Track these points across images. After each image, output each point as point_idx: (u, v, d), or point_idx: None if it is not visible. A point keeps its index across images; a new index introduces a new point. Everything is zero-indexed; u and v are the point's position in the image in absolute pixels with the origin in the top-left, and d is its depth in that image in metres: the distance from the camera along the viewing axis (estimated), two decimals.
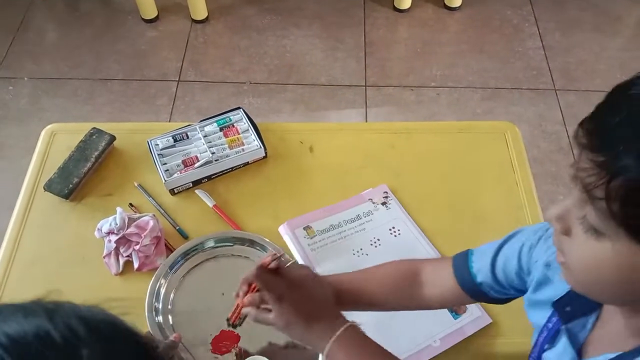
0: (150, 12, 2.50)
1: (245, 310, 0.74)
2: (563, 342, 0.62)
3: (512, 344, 0.93)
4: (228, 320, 0.78)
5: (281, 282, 0.72)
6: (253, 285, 0.74)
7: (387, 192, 1.10)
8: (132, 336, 0.35)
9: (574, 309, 0.60)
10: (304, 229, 1.03)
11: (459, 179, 1.14)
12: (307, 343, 0.72)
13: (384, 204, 1.08)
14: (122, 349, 0.33)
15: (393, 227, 1.05)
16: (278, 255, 0.74)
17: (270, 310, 0.72)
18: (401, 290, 0.80)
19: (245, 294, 0.74)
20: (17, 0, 2.61)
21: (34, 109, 2.23)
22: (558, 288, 0.62)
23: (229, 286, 0.95)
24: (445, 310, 0.94)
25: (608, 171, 0.42)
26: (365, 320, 0.83)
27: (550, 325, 0.64)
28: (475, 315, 0.94)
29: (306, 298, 0.72)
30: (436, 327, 0.92)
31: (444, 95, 2.30)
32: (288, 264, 0.76)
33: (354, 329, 0.70)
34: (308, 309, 0.71)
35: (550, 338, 0.64)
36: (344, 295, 0.77)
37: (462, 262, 0.78)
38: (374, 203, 1.08)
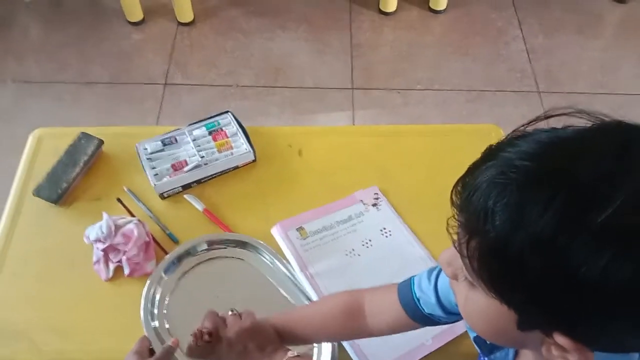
0: (136, 14, 2.49)
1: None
2: None
3: None
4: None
5: (218, 344, 0.75)
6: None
7: (377, 194, 1.11)
8: None
9: (493, 343, 0.60)
10: (297, 230, 1.04)
11: (446, 180, 1.13)
12: None
13: (374, 205, 1.09)
14: None
15: (384, 228, 1.06)
16: (204, 333, 0.76)
17: None
18: (344, 325, 0.80)
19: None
20: (1, 0, 2.59)
21: (18, 111, 2.21)
22: None
23: (223, 289, 0.96)
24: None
25: (466, 231, 0.45)
26: None
27: (481, 354, 0.66)
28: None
29: (244, 351, 0.75)
30: (426, 329, 0.93)
31: (430, 97, 2.32)
32: (228, 316, 0.79)
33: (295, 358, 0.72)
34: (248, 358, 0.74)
35: None
36: (287, 336, 0.78)
37: (407, 295, 0.76)
38: (364, 204, 1.09)
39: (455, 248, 0.48)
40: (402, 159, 1.18)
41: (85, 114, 2.20)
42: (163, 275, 0.97)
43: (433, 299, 0.72)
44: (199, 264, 1.00)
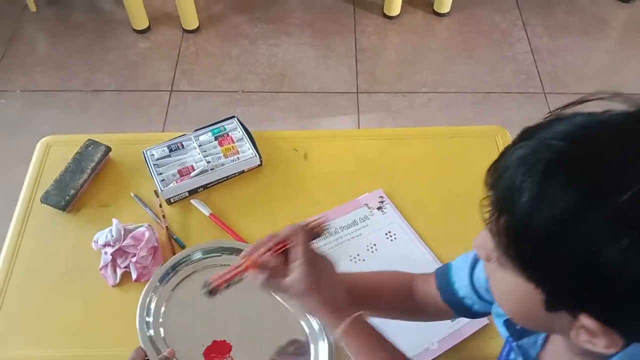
0: (142, 22, 2.51)
1: (252, 273, 0.69)
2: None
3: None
4: (207, 284, 0.70)
5: (311, 251, 0.70)
6: (278, 247, 0.70)
7: (382, 197, 1.11)
8: None
9: (523, 327, 0.60)
10: None
11: (452, 183, 1.15)
12: (318, 317, 0.72)
13: (379, 208, 1.09)
14: None
15: (389, 232, 1.06)
16: (325, 224, 0.72)
17: (281, 278, 0.68)
18: (401, 302, 0.82)
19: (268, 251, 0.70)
20: (8, 13, 2.62)
21: (26, 121, 2.23)
22: None
23: (219, 297, 0.95)
24: None
25: (495, 209, 0.46)
26: None
27: (510, 339, 0.65)
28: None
29: (328, 275, 0.71)
30: (434, 329, 0.93)
31: (435, 100, 2.32)
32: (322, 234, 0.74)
33: (362, 317, 0.70)
34: (327, 286, 0.69)
35: (508, 355, 0.66)
36: (352, 293, 0.76)
37: (444, 278, 0.78)
38: (369, 208, 1.09)
39: (487, 228, 0.49)
40: (408, 162, 1.18)
41: (92, 122, 2.22)
42: (158, 284, 0.96)
43: (467, 281, 0.74)
44: (194, 272, 0.99)
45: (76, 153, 1.14)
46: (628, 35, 2.60)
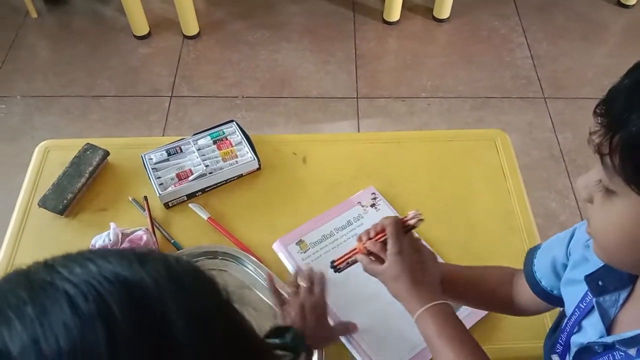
0: (142, 28, 2.52)
1: (358, 257, 0.80)
2: (592, 320, 0.63)
3: (513, 334, 0.94)
4: (333, 263, 0.83)
5: (407, 241, 0.78)
6: (379, 236, 0.79)
7: (375, 193, 1.11)
8: (213, 288, 0.36)
9: (605, 283, 0.62)
10: (297, 244, 1.03)
11: (451, 187, 1.15)
12: (403, 300, 0.76)
13: (372, 205, 1.09)
14: (202, 299, 0.34)
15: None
16: (420, 216, 0.79)
17: (380, 264, 0.77)
18: (495, 294, 0.85)
19: (369, 240, 0.79)
20: (9, 19, 2.63)
21: (26, 127, 2.23)
22: (594, 267, 0.64)
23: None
24: None
25: (610, 129, 0.48)
26: (362, 322, 0.82)
27: (582, 305, 0.66)
28: (469, 309, 0.95)
29: (420, 264, 0.77)
30: None
31: (435, 105, 2.32)
32: (418, 237, 0.82)
33: (448, 306, 0.74)
34: (418, 273, 0.75)
35: (579, 320, 0.66)
36: (447, 284, 0.80)
37: (528, 259, 0.81)
38: (363, 206, 1.09)
39: (597, 153, 0.50)
40: (407, 166, 1.18)
41: (92, 127, 2.22)
42: None
43: (549, 258, 0.75)
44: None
45: (74, 157, 1.13)
46: (627, 40, 2.60)
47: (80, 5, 2.73)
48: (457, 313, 0.92)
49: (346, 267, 0.83)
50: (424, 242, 0.88)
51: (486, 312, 0.95)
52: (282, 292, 0.90)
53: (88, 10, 2.71)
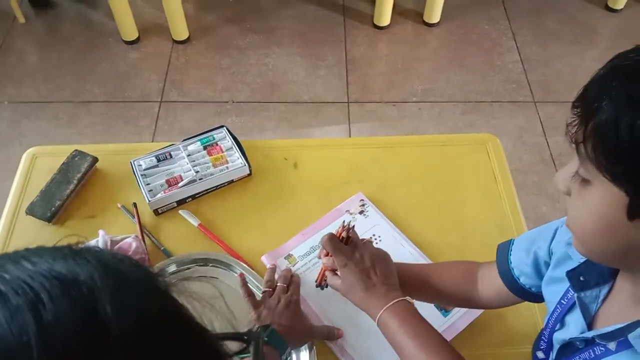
0: (131, 33, 2.50)
1: (326, 273, 0.84)
2: (574, 316, 0.64)
3: (509, 331, 0.94)
4: (315, 282, 0.89)
5: (349, 251, 0.81)
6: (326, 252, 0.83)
7: (363, 200, 1.10)
8: (149, 281, 0.36)
9: (587, 278, 0.62)
10: (285, 258, 1.02)
11: (443, 191, 1.14)
12: (363, 308, 0.78)
13: (361, 212, 1.08)
14: (136, 290, 0.34)
15: (373, 235, 1.05)
16: (349, 227, 0.83)
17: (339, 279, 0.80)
18: (458, 288, 0.86)
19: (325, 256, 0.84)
20: None
21: (14, 134, 2.20)
22: (576, 264, 0.65)
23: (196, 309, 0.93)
24: (434, 309, 0.95)
25: (582, 120, 0.49)
26: (359, 322, 0.82)
27: (564, 301, 0.66)
28: (462, 311, 0.94)
29: (373, 268, 0.79)
30: None
31: (426, 109, 2.33)
32: (365, 241, 0.85)
33: (407, 303, 0.75)
34: (371, 278, 0.78)
35: (561, 317, 0.66)
36: (406, 280, 0.82)
37: (503, 255, 0.81)
38: (351, 214, 1.08)
39: (572, 143, 0.51)
40: (398, 170, 1.17)
41: (81, 133, 2.20)
42: None
43: (523, 251, 0.76)
44: (179, 293, 0.97)
45: (62, 164, 1.12)
46: (617, 43, 2.62)
47: (69, 10, 2.71)
48: (450, 315, 0.93)
49: (327, 284, 0.85)
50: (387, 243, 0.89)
51: (478, 314, 0.94)
52: (256, 293, 0.91)
53: (76, 15, 2.69)
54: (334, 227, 1.05)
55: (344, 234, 0.83)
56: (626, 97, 0.46)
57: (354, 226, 0.85)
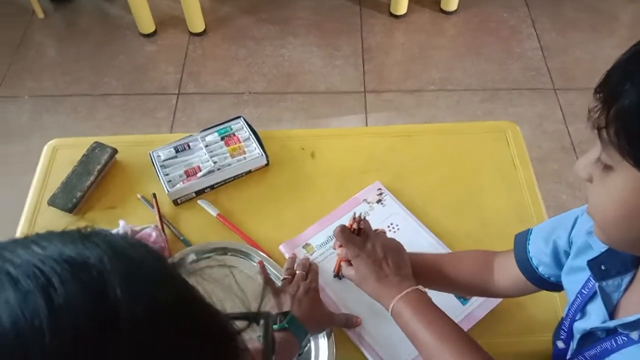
0: (148, 26, 2.52)
1: (342, 264, 0.86)
2: (595, 306, 0.63)
3: (528, 320, 0.93)
4: (333, 272, 0.94)
5: (361, 242, 0.81)
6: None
7: (381, 189, 1.10)
8: (159, 263, 0.36)
9: (608, 267, 0.61)
10: (303, 247, 1.02)
11: (461, 180, 1.13)
12: (376, 299, 0.78)
13: (379, 201, 1.08)
14: (146, 272, 0.34)
15: (391, 224, 1.05)
16: (360, 218, 0.84)
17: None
18: (474, 277, 0.86)
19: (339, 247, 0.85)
20: (16, 19, 2.64)
21: (35, 127, 2.24)
22: (597, 253, 0.64)
23: (216, 298, 0.94)
24: (453, 298, 0.94)
25: (605, 105, 0.49)
26: (377, 310, 0.83)
27: (585, 291, 0.65)
28: (480, 300, 0.94)
29: (386, 258, 0.79)
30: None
31: (443, 98, 2.30)
32: (378, 231, 0.86)
33: (420, 292, 0.75)
34: (383, 269, 0.78)
35: (582, 306, 0.65)
36: (421, 270, 0.83)
37: (521, 244, 0.80)
38: (369, 203, 1.08)
39: (594, 129, 0.50)
40: (415, 159, 1.16)
41: (100, 126, 2.22)
42: None
43: (542, 241, 0.76)
44: (189, 275, 0.97)
45: (83, 156, 1.13)
46: (637, 31, 2.57)
47: (87, 4, 2.73)
48: (469, 303, 0.93)
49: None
50: (398, 234, 0.88)
51: (497, 303, 0.94)
52: (275, 281, 0.92)
53: (94, 9, 2.71)
54: (351, 217, 1.05)
55: (355, 226, 0.84)
56: None
57: (365, 217, 0.85)
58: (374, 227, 1.04)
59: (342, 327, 0.91)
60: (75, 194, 1.08)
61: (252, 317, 0.42)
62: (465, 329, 0.90)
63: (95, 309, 0.30)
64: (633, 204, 0.50)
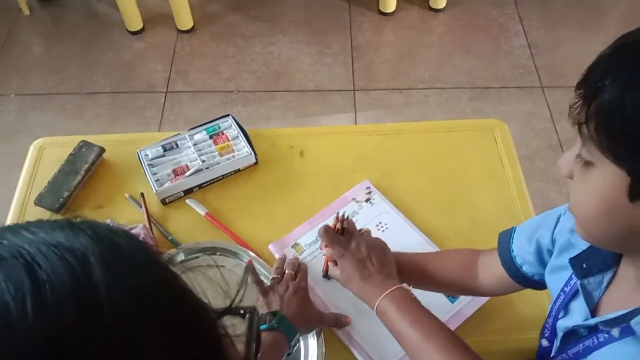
0: (136, 23, 2.50)
1: (329, 264, 0.86)
2: (578, 304, 0.64)
3: (516, 317, 0.94)
4: (322, 272, 0.94)
5: (345, 242, 0.82)
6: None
7: (369, 187, 1.10)
8: (145, 254, 0.37)
9: (589, 265, 0.62)
10: (292, 247, 1.02)
11: (450, 177, 1.14)
12: (361, 298, 0.79)
13: (367, 200, 1.08)
14: (132, 261, 0.35)
15: (380, 222, 1.05)
16: (344, 218, 0.85)
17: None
18: (459, 276, 0.86)
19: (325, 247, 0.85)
20: (2, 16, 2.61)
21: (21, 126, 2.21)
22: (579, 251, 0.64)
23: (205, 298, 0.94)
24: (442, 296, 0.94)
25: (585, 101, 0.49)
26: (366, 309, 0.84)
27: (567, 289, 0.66)
28: (468, 298, 0.94)
29: (370, 257, 0.80)
30: (434, 314, 0.92)
31: (433, 96, 2.31)
32: (363, 231, 0.86)
33: (404, 290, 0.76)
34: (367, 268, 0.79)
35: (564, 304, 0.66)
36: (406, 269, 0.84)
37: (504, 243, 0.81)
38: (357, 202, 1.08)
39: (575, 124, 0.51)
40: (404, 157, 1.17)
41: (88, 124, 2.21)
42: None
43: (525, 239, 0.76)
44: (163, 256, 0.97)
45: (70, 155, 1.12)
46: (625, 27, 2.52)
47: (73, 1, 2.71)
48: (458, 301, 0.93)
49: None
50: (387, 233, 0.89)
51: (485, 301, 0.94)
52: (264, 281, 0.92)
53: (81, 6, 2.69)
54: (334, 217, 1.05)
55: (339, 226, 0.85)
56: (630, 76, 0.46)
57: (348, 216, 0.86)
58: (363, 226, 1.04)
59: (332, 326, 0.91)
60: (62, 193, 1.07)
61: (237, 312, 0.42)
62: (454, 327, 0.91)
63: (78, 288, 0.31)
64: (613, 199, 0.50)
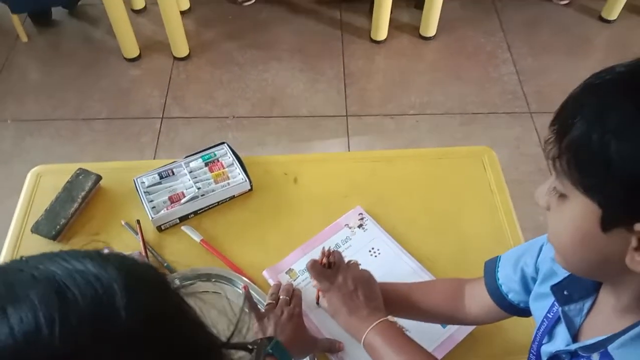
0: (132, 51, 2.54)
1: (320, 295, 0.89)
2: (560, 329, 0.65)
3: (507, 342, 0.95)
4: (316, 300, 0.95)
5: (332, 275, 0.85)
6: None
7: (362, 214, 1.12)
8: (163, 287, 0.42)
9: (570, 292, 0.64)
10: (286, 272, 1.04)
11: (441, 203, 1.16)
12: (348, 331, 0.81)
13: (360, 226, 1.10)
14: (150, 294, 0.39)
15: (372, 248, 1.07)
16: (329, 252, 0.87)
17: None
18: (446, 305, 0.88)
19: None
20: (0, 42, 2.64)
21: (17, 151, 2.23)
22: (560, 278, 0.66)
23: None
24: None
25: (558, 136, 0.52)
26: (349, 343, 0.85)
27: (550, 315, 0.68)
28: (455, 326, 0.96)
29: (356, 291, 0.82)
30: (426, 340, 0.92)
31: (424, 122, 2.35)
32: (350, 263, 0.88)
33: (389, 322, 0.78)
34: (354, 301, 0.81)
35: (548, 330, 0.68)
36: (393, 300, 0.86)
37: (490, 271, 0.83)
38: (350, 228, 1.10)
39: (549, 159, 0.53)
40: (397, 183, 1.19)
41: (83, 150, 2.23)
42: None
43: (511, 268, 0.78)
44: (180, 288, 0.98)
45: (67, 182, 1.14)
46: (611, 54, 2.66)
47: (71, 28, 2.75)
48: (448, 327, 0.95)
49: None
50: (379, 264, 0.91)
51: (475, 327, 0.96)
52: (259, 307, 0.94)
53: (78, 33, 2.73)
54: (333, 242, 1.07)
55: (325, 260, 0.87)
56: (596, 114, 0.49)
57: (334, 250, 0.88)
58: (356, 252, 1.06)
59: (325, 352, 0.93)
60: (59, 221, 1.08)
61: (246, 347, 0.46)
62: (445, 352, 0.92)
63: (101, 308, 0.35)
64: (586, 230, 0.52)
